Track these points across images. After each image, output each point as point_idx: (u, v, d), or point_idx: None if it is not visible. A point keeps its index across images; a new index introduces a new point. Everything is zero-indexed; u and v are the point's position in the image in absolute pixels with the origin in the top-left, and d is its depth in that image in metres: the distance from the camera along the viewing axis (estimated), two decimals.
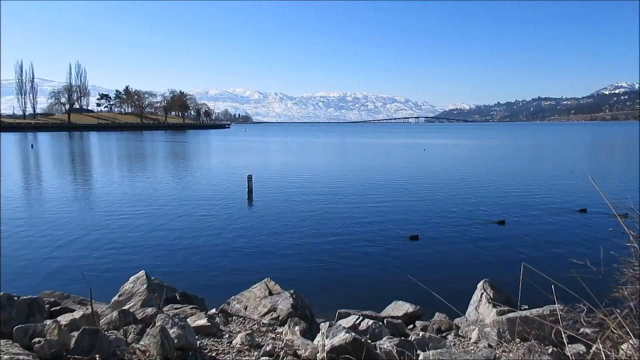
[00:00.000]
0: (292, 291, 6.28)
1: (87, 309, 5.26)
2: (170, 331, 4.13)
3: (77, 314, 4.86)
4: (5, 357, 3.37)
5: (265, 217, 16.59)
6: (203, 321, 5.29)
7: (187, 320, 5.10)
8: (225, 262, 11.48)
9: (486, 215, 16.68)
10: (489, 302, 6.08)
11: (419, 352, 4.31)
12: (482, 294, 6.37)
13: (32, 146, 62.87)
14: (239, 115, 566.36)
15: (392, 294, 8.31)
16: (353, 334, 4.28)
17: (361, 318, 5.49)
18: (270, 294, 6.44)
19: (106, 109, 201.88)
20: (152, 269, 9.80)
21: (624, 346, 2.77)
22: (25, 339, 3.80)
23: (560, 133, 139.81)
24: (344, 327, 4.54)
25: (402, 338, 4.85)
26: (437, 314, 6.91)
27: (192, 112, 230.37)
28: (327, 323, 4.63)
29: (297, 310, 5.88)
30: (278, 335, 5.36)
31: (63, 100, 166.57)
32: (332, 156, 51.57)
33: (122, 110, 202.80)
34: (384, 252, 12.24)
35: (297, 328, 5.00)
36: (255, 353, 4.59)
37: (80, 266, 10.95)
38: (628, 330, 2.64)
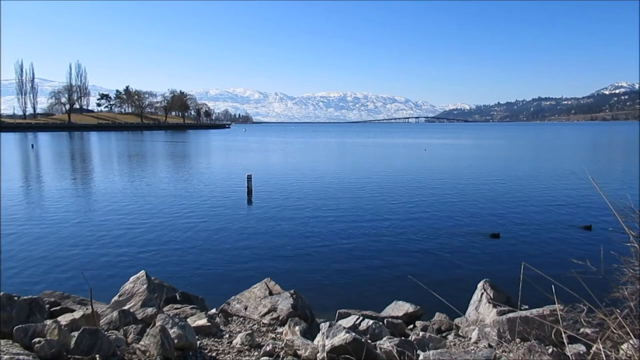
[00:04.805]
0: (292, 291, 6.29)
1: (87, 309, 5.26)
2: (171, 331, 4.14)
3: (77, 314, 4.86)
4: (6, 357, 3.37)
5: (265, 217, 16.58)
6: (203, 321, 5.29)
7: (187, 320, 5.10)
8: (225, 262, 11.47)
9: (488, 213, 16.69)
10: (489, 302, 6.07)
11: (419, 352, 4.31)
12: (482, 293, 6.36)
13: (32, 146, 62.86)
14: (239, 115, 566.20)
15: (392, 294, 8.31)
16: (353, 334, 4.29)
17: (361, 318, 5.50)
18: (271, 294, 6.44)
19: (106, 109, 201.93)
20: (152, 268, 9.81)
21: (624, 346, 2.77)
22: (25, 339, 3.81)
23: (561, 133, 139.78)
24: (344, 327, 4.54)
25: (402, 338, 4.85)
26: (437, 314, 6.91)
27: (192, 112, 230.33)
28: (327, 323, 4.63)
29: (297, 310, 5.88)
30: (278, 335, 5.36)
31: (63, 100, 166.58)
32: (331, 156, 51.55)
33: (122, 110, 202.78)
34: (383, 251, 12.23)
35: (297, 328, 5.01)
36: (256, 353, 4.59)
37: (80, 266, 10.95)
38: (628, 330, 2.64)
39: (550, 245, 12.76)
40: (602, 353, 2.57)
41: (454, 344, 5.42)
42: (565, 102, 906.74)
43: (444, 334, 6.07)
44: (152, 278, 6.84)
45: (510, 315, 5.33)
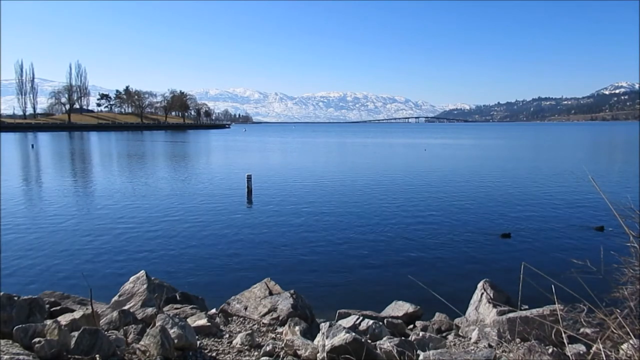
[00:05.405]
0: (292, 291, 6.29)
1: (87, 309, 5.26)
2: (171, 331, 4.14)
3: (77, 314, 4.86)
4: (6, 357, 3.37)
5: (265, 217, 16.58)
6: (203, 321, 5.29)
7: (187, 320, 5.10)
8: (225, 262, 11.47)
9: (487, 213, 16.68)
10: (489, 302, 6.07)
11: (419, 352, 4.31)
12: (482, 293, 6.36)
13: (32, 146, 62.85)
14: (239, 115, 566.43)
15: (392, 294, 8.31)
16: (353, 334, 4.29)
17: (361, 318, 5.50)
18: (271, 294, 6.44)
19: (106, 109, 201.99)
20: (152, 269, 9.81)
21: (624, 346, 2.77)
22: (25, 339, 3.81)
23: (561, 133, 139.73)
24: (344, 327, 4.54)
25: (402, 338, 4.85)
26: (437, 314, 6.91)
27: (192, 112, 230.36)
28: (327, 323, 4.63)
29: (297, 310, 5.88)
30: (278, 335, 5.36)
31: (63, 100, 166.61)
32: (331, 156, 51.55)
33: (122, 110, 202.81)
34: (383, 251, 12.22)
35: (297, 328, 5.01)
36: (256, 353, 4.59)
37: (80, 266, 10.95)
38: (628, 330, 2.64)
39: (561, 246, 12.61)
40: (602, 353, 2.57)
41: (454, 344, 5.42)
42: (565, 102, 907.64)
43: (444, 334, 6.08)
44: (152, 278, 6.85)
45: (510, 315, 5.33)
